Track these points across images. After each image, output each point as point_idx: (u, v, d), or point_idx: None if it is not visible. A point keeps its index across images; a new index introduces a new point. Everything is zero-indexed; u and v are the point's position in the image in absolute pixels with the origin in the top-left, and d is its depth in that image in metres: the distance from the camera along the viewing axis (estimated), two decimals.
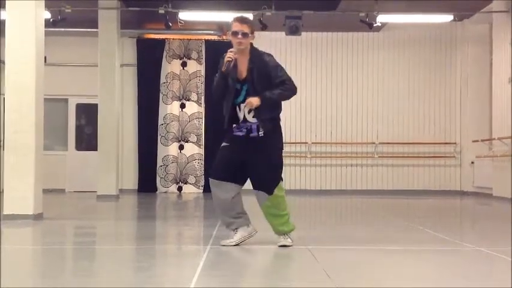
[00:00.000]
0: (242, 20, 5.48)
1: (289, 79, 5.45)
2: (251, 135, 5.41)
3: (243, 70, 5.41)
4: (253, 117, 5.38)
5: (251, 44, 5.50)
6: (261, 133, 5.38)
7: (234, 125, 5.48)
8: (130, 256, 5.33)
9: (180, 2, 12.68)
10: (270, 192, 5.41)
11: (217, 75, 5.51)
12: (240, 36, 5.36)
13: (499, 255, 5.11)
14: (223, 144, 5.59)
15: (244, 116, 5.43)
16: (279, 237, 5.52)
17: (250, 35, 5.40)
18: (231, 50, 5.37)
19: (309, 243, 5.66)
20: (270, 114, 5.41)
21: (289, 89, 5.43)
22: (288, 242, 5.47)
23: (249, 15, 12.78)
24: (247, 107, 5.35)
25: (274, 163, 5.49)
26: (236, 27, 5.39)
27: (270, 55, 5.50)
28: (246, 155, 5.43)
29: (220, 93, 5.48)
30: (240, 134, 5.47)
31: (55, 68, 14.32)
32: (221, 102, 5.55)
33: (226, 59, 5.35)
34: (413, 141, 15.18)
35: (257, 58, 5.43)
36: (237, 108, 5.45)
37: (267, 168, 5.43)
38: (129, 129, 15.24)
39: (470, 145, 14.80)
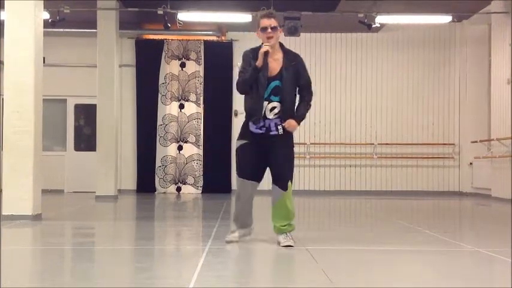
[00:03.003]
0: (269, 15, 5.55)
1: (311, 82, 5.74)
2: (271, 133, 5.54)
3: (274, 67, 5.50)
4: (274, 115, 5.51)
5: (280, 43, 5.61)
6: (280, 131, 5.52)
7: (251, 122, 5.55)
8: (129, 256, 5.33)
9: (179, 3, 12.69)
10: (284, 187, 5.54)
11: (241, 68, 5.56)
12: (269, 31, 5.47)
13: (499, 257, 5.11)
14: (243, 142, 5.64)
15: (264, 113, 5.50)
16: (280, 236, 5.58)
17: (278, 28, 5.52)
18: (265, 44, 5.44)
19: (308, 243, 5.66)
20: (293, 110, 5.63)
21: (310, 98, 5.73)
22: (291, 242, 5.51)
23: (248, 16, 12.80)
24: (290, 129, 5.55)
25: (292, 158, 5.67)
26: (264, 23, 5.49)
27: (299, 55, 5.71)
28: (266, 149, 5.56)
29: (248, 87, 5.50)
30: (260, 131, 5.54)
31: (54, 69, 14.34)
32: (244, 93, 5.63)
33: (263, 49, 5.39)
34: (412, 142, 15.20)
35: (293, 57, 5.61)
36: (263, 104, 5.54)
37: (286, 160, 5.60)
38: (128, 130, 15.25)
39: (469, 146, 14.82)
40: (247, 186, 5.64)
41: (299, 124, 5.61)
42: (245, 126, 5.63)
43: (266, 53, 5.39)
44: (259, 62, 5.39)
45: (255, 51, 5.52)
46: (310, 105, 5.72)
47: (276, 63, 5.50)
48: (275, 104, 5.50)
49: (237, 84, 5.61)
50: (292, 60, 5.57)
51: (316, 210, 10.56)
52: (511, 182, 12.04)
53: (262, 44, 5.48)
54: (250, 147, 5.58)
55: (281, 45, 5.64)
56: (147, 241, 6.30)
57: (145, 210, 10.80)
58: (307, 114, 5.83)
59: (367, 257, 5.14)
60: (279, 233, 5.62)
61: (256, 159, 5.58)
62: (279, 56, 5.55)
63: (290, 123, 5.52)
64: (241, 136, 5.67)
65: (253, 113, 5.51)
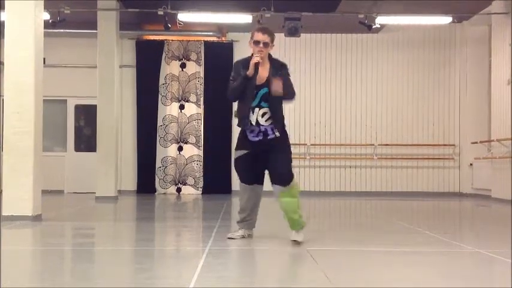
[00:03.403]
0: (264, 30, 5.84)
1: (293, 89, 5.90)
2: (268, 137, 5.79)
3: (262, 76, 5.76)
4: (266, 120, 5.75)
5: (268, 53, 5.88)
6: (277, 134, 5.77)
7: (247, 130, 5.80)
8: (129, 257, 5.32)
9: (179, 3, 12.69)
10: (284, 184, 5.71)
11: (231, 77, 5.81)
12: (261, 45, 5.75)
13: (499, 257, 5.11)
14: (241, 153, 5.90)
15: (257, 119, 5.75)
16: (292, 232, 5.80)
17: (270, 44, 5.80)
18: (256, 55, 5.72)
19: (308, 244, 5.66)
20: (281, 114, 5.84)
21: (294, 94, 5.90)
22: (300, 238, 5.70)
23: (248, 17, 12.80)
24: (274, 91, 5.66)
25: (290, 157, 5.92)
26: (258, 37, 5.78)
27: (286, 64, 5.97)
28: (265, 153, 5.80)
29: (239, 95, 5.79)
30: (257, 139, 5.79)
31: (54, 69, 14.35)
32: (234, 101, 5.96)
33: (254, 60, 5.66)
34: (412, 143, 15.20)
35: (279, 66, 5.86)
36: (250, 111, 5.77)
37: (286, 160, 5.82)
38: (128, 131, 15.25)
39: (469, 147, 14.82)
40: (251, 189, 5.94)
41: (284, 90, 5.68)
42: (241, 136, 5.91)
43: (257, 64, 5.66)
44: (250, 72, 5.65)
45: (246, 61, 5.81)
46: (293, 96, 5.87)
47: (264, 72, 5.78)
48: (265, 109, 5.76)
49: (227, 92, 5.87)
50: (279, 69, 5.82)
51: (316, 211, 10.55)
52: (511, 183, 12.04)
53: (252, 54, 5.76)
54: (247, 157, 5.87)
55: (269, 55, 5.89)
56: (147, 242, 6.29)
57: (146, 211, 10.80)
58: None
59: (367, 258, 5.14)
60: (291, 228, 5.83)
61: (256, 167, 5.88)
62: (267, 66, 5.82)
63: (276, 86, 5.63)
64: (238, 147, 5.96)
65: (242, 119, 5.77)
